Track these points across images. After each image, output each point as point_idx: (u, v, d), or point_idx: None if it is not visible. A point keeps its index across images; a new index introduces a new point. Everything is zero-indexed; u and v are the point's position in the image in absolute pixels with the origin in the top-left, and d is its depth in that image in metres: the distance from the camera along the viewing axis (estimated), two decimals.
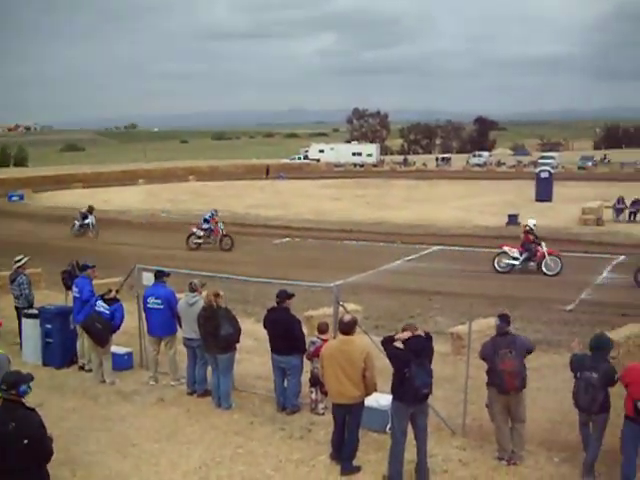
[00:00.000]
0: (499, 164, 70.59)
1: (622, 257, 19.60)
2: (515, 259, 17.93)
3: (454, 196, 37.92)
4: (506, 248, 18.16)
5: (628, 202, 27.20)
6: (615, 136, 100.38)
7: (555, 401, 8.21)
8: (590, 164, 64.88)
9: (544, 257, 17.71)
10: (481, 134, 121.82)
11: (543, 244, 18.05)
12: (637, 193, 28.65)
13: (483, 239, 22.78)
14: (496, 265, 18.07)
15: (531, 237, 18.06)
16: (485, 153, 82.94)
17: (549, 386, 8.86)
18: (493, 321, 7.44)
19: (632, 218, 26.72)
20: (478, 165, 71.54)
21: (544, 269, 17.68)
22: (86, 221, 26.24)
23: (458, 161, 76.31)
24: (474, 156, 78.42)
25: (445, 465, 6.97)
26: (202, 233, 22.98)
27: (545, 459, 7.05)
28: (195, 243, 23.00)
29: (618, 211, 26.98)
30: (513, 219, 25.47)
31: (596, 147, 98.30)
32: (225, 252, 22.20)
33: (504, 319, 7.08)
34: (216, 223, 23.04)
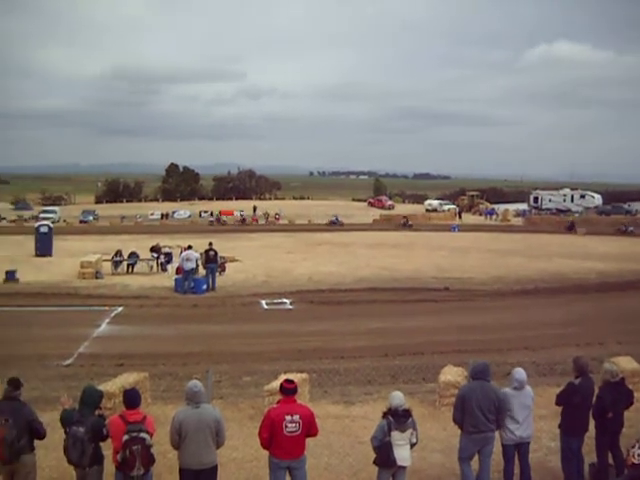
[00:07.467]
0: None
1: (120, 308, 20.40)
2: None
3: None
4: None
5: (126, 254, 28.71)
6: (116, 191, 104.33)
7: None
8: (92, 218, 66.19)
9: None
10: None
11: None
12: (134, 246, 30.64)
13: None
14: None
15: None
16: None
17: None
18: None
19: (130, 270, 28.20)
20: None
21: None
22: None
23: None
24: None
25: None
26: None
27: None
28: None
29: (116, 263, 28.03)
30: (11, 275, 24.16)
31: (98, 201, 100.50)
32: None
33: (12, 383, 6.79)
34: None
